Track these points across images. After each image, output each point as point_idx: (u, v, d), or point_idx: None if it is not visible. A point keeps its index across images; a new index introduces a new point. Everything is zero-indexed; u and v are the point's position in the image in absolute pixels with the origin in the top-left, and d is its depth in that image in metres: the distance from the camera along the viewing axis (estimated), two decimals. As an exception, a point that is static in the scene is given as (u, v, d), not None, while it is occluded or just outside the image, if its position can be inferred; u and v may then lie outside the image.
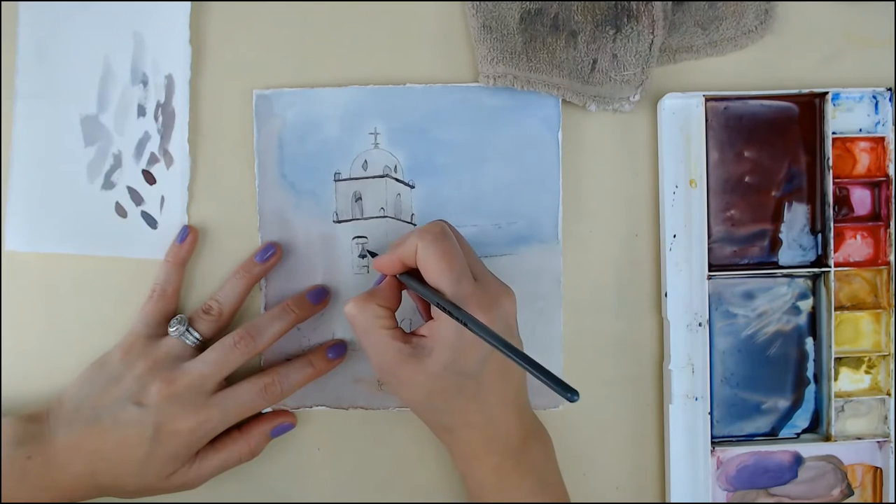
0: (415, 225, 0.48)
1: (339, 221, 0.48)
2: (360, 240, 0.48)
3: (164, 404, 0.43)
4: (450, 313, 0.39)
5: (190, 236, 0.48)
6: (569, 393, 0.33)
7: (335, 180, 0.48)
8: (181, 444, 0.43)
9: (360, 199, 0.48)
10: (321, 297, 0.47)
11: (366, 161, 0.48)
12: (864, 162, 0.49)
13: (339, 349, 0.48)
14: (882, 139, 0.49)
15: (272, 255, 0.47)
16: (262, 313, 0.47)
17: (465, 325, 0.38)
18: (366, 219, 0.48)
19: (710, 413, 0.48)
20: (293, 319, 0.46)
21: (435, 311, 0.41)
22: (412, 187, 0.48)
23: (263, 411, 0.48)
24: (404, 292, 0.44)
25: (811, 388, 0.49)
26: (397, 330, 0.42)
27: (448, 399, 0.42)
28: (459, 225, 0.48)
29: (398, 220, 0.48)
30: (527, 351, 0.48)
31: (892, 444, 0.49)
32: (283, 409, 0.48)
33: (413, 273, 0.42)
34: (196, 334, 0.46)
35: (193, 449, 0.44)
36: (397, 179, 0.48)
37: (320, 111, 0.48)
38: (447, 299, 0.40)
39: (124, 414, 0.43)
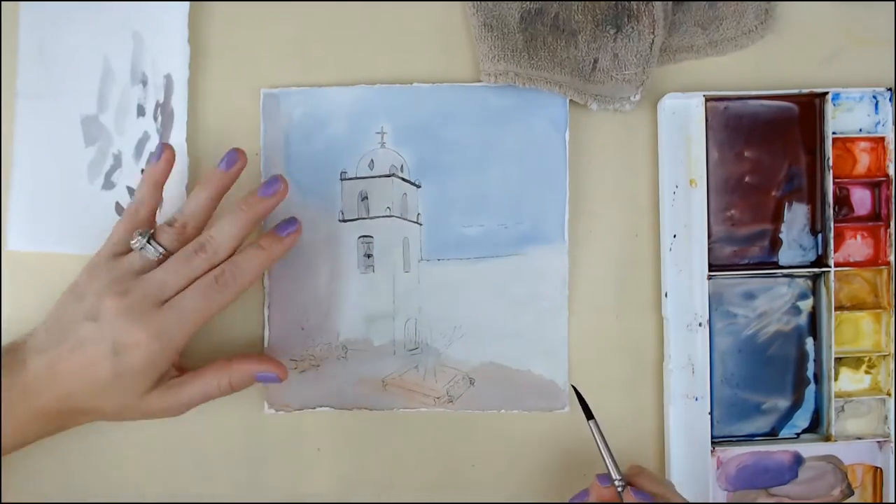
0: (420, 225, 0.48)
1: (345, 220, 0.48)
2: (366, 239, 0.48)
3: (117, 317, 0.41)
4: None
5: (166, 153, 0.45)
6: None
7: (341, 179, 0.48)
8: (144, 359, 0.42)
9: (366, 198, 0.48)
10: (273, 188, 0.44)
11: (372, 160, 0.48)
12: (864, 162, 0.49)
13: (290, 225, 0.45)
14: (882, 139, 0.49)
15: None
16: (218, 222, 0.44)
17: None
18: (372, 218, 0.48)
19: (710, 413, 0.48)
20: (246, 217, 0.43)
21: None
22: (418, 187, 0.48)
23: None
24: None
25: (811, 388, 0.50)
26: None
27: None
28: (465, 225, 0.48)
29: (404, 219, 0.48)
30: (528, 352, 0.48)
31: (893, 444, 0.49)
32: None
33: None
34: (158, 247, 0.43)
35: (159, 364, 0.42)
36: (404, 179, 0.48)
37: (327, 110, 0.48)
38: None
39: (82, 331, 0.42)
